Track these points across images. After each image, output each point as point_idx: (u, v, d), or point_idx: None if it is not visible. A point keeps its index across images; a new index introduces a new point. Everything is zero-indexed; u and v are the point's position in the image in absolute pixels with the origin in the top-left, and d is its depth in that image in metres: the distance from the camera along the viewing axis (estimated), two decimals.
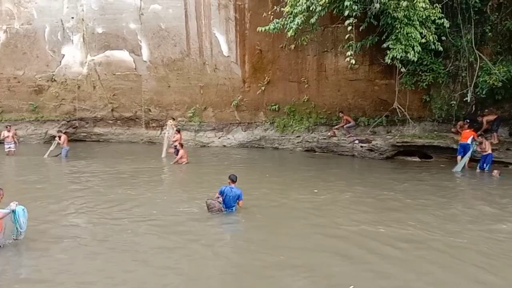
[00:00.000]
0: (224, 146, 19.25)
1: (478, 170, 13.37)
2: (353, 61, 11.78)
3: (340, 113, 17.06)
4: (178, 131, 16.25)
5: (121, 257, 6.40)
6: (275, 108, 18.51)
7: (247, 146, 19.04)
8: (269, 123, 18.91)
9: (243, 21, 18.04)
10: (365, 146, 16.07)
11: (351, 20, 11.32)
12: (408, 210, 8.93)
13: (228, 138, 19.41)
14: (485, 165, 13.34)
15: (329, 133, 17.22)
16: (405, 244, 6.87)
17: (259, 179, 12.26)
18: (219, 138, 19.52)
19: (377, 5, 10.82)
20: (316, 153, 17.27)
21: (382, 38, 13.93)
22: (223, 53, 18.47)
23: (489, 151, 13.43)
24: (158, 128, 20.31)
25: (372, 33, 14.65)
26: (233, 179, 8.36)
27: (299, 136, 18.06)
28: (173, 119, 18.82)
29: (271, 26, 13.69)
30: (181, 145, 15.11)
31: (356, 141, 16.32)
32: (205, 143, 19.52)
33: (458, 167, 13.62)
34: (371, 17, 13.51)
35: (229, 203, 8.22)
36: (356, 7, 11.01)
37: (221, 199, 8.17)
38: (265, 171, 13.58)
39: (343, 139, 16.72)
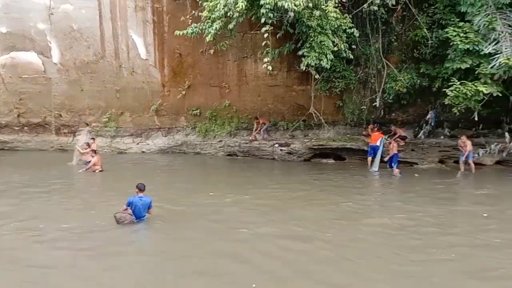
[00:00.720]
0: (143, 152, 18.63)
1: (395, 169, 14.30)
2: (270, 68, 12.05)
3: (255, 119, 17.34)
4: (88, 144, 15.08)
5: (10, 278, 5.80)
6: (196, 113, 18.32)
7: (168, 151, 18.62)
8: (190, 128, 18.67)
9: (162, 24, 17.66)
10: (284, 150, 16.50)
11: (267, 27, 11.55)
12: (309, 209, 9.25)
13: (148, 144, 18.82)
14: (393, 164, 14.34)
15: (250, 138, 17.41)
16: (298, 244, 7.03)
17: (176, 185, 12.01)
18: (138, 144, 18.85)
19: (292, 14, 11.16)
20: (238, 157, 17.38)
21: (298, 46, 14.44)
22: (140, 56, 17.92)
23: (395, 152, 14.46)
24: (70, 134, 19.10)
25: (289, 41, 15.10)
26: (141, 188, 8.00)
27: (221, 141, 18.04)
28: (87, 124, 17.82)
29: (189, 30, 13.54)
30: (95, 152, 14.31)
31: (276, 145, 16.71)
32: (122, 150, 18.73)
33: (375, 167, 14.50)
34: (288, 25, 13.97)
35: (139, 214, 7.89)
36: (272, 15, 11.25)
37: (130, 210, 7.80)
38: (185, 176, 13.37)
39: (264, 143, 17.01)
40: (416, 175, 13.66)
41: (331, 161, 16.50)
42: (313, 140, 16.68)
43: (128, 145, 18.82)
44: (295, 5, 10.95)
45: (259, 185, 11.87)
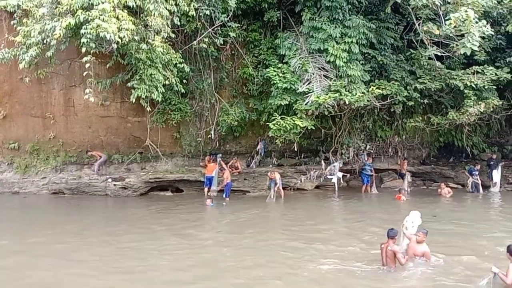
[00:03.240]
0: None
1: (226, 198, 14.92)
2: (92, 99, 11.47)
3: (89, 153, 16.29)
4: None
5: None
6: (14, 147, 16.29)
7: None
8: (6, 164, 16.47)
9: None
10: (118, 184, 15.71)
11: (89, 57, 11.01)
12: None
13: None
14: (224, 193, 15.02)
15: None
16: None
17: None
18: None
19: (115, 45, 10.86)
20: (65, 195, 15.83)
21: (130, 77, 14.11)
22: None
23: (228, 181, 15.10)
24: None
25: (122, 71, 14.69)
26: None
27: (44, 178, 16.23)
28: None
29: None
30: None
31: (109, 180, 15.81)
32: None
33: (213, 192, 15.20)
34: (118, 56, 13.61)
35: None
36: (94, 45, 10.77)
37: None
38: None
39: (95, 179, 15.91)
40: (224, 204, 14.37)
41: (169, 193, 16.35)
42: (149, 173, 16.29)
43: None
44: (119, 37, 10.69)
45: (66, 226, 11.05)
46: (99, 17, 10.52)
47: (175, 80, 13.70)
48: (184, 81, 14.54)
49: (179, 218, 12.10)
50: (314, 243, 9.27)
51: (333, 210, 14.29)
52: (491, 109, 15.39)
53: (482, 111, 14.95)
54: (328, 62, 14.69)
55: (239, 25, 15.31)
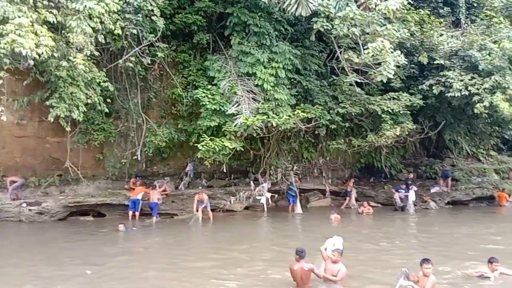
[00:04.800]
0: None
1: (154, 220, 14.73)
2: (4, 118, 10.65)
3: (5, 178, 15.02)
4: None
5: None
6: None
7: None
8: None
9: None
10: (33, 209, 14.56)
11: (2, 73, 10.27)
12: None
13: None
14: (154, 213, 14.82)
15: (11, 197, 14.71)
16: None
17: None
18: None
19: (31, 62, 10.25)
20: None
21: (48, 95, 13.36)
22: None
23: (155, 200, 14.89)
24: None
25: (41, 89, 13.84)
26: None
27: None
28: None
29: None
30: None
31: (24, 205, 14.61)
32: None
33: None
34: (37, 73, 12.87)
35: None
36: (8, 61, 10.07)
37: None
38: None
39: (7, 203, 14.62)
40: (134, 228, 13.83)
41: (90, 218, 15.47)
42: (69, 197, 15.29)
43: None
44: (37, 53, 10.10)
45: None
46: (15, 32, 9.89)
47: (99, 99, 13.21)
48: (109, 100, 14.03)
49: (85, 245, 11.34)
50: (222, 266, 9.13)
51: (259, 231, 14.32)
52: (406, 133, 16.68)
53: (398, 134, 16.11)
54: (256, 85, 15.04)
55: (167, 45, 15.23)
